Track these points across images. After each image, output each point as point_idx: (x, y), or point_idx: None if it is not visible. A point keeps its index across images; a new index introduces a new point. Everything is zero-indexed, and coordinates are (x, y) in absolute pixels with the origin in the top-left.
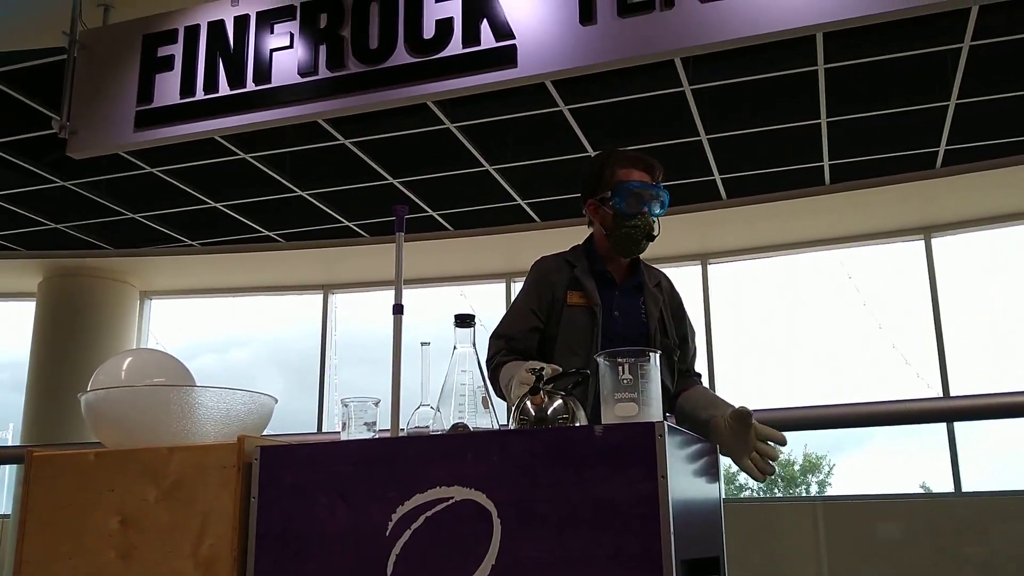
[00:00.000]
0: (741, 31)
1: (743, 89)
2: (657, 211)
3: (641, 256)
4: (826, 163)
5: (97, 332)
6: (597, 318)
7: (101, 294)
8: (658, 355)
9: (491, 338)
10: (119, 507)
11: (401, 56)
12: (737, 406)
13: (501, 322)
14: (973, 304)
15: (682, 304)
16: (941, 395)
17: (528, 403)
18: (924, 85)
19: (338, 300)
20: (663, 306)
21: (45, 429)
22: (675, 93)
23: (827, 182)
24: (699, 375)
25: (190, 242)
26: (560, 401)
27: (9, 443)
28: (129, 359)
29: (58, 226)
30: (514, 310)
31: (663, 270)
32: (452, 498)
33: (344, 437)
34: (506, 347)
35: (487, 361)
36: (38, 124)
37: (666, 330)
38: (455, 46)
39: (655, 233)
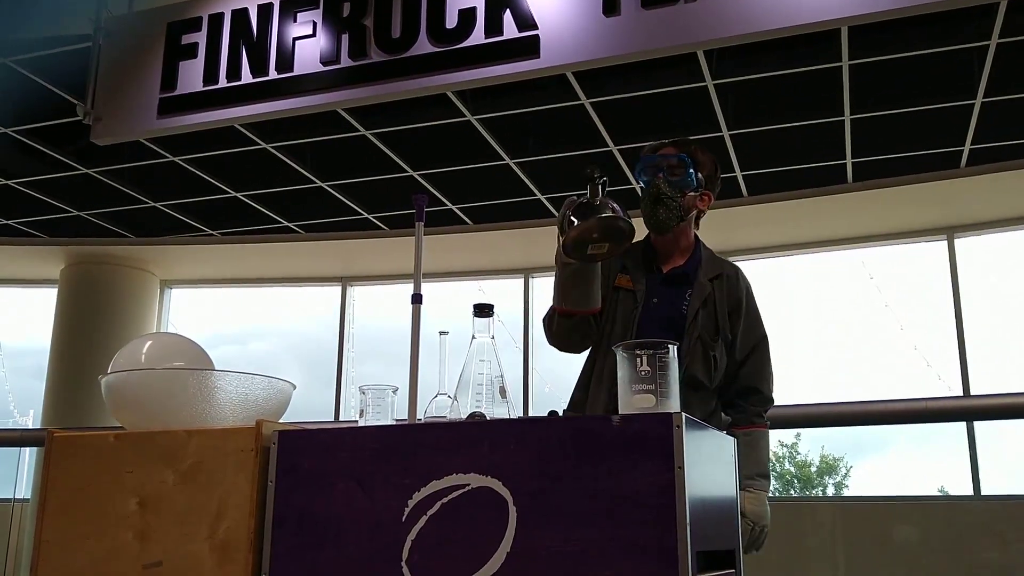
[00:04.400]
0: (766, 23)
1: (766, 85)
2: (645, 177)
3: (710, 248)
4: (849, 161)
5: (118, 320)
6: (637, 301)
7: (122, 282)
8: (676, 347)
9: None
10: (137, 489)
11: (423, 45)
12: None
13: None
14: (996, 306)
15: (743, 302)
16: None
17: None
18: (950, 83)
19: (356, 293)
20: (715, 300)
21: (65, 416)
22: (698, 88)
23: (849, 180)
24: (763, 400)
25: (210, 232)
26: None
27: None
28: (149, 342)
29: (80, 214)
30: None
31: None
32: (468, 485)
33: (362, 424)
34: None
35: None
36: (62, 111)
37: (716, 324)
38: (477, 36)
39: (662, 194)
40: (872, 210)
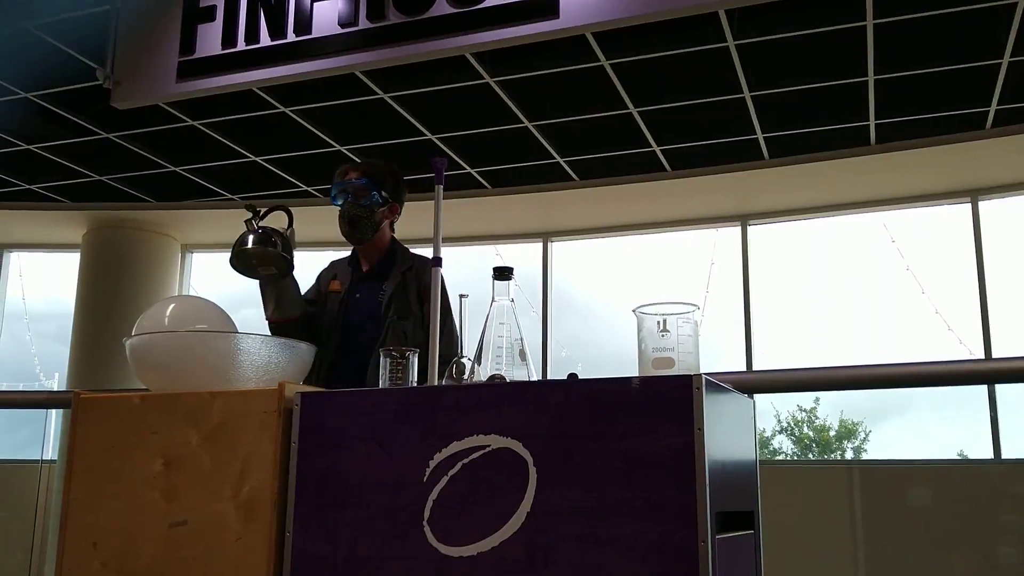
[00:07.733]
0: None
1: (788, 45)
2: (339, 201)
3: (404, 245)
4: (872, 122)
5: (140, 285)
6: (343, 298)
7: (144, 247)
8: (696, 310)
9: None
10: (162, 450)
11: (442, 7)
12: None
13: None
14: (1020, 270)
15: (429, 285)
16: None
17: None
18: (976, 42)
19: None
20: (405, 287)
21: (89, 379)
22: (719, 49)
23: (872, 142)
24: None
25: (230, 196)
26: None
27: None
28: (173, 305)
29: (102, 178)
30: None
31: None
32: (488, 446)
33: (383, 386)
34: None
35: None
36: (82, 76)
37: (408, 306)
38: None
39: (354, 216)
40: (895, 173)
